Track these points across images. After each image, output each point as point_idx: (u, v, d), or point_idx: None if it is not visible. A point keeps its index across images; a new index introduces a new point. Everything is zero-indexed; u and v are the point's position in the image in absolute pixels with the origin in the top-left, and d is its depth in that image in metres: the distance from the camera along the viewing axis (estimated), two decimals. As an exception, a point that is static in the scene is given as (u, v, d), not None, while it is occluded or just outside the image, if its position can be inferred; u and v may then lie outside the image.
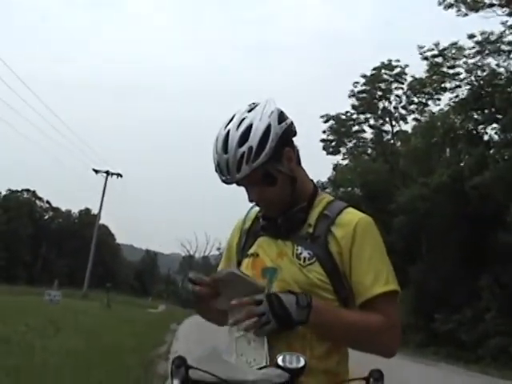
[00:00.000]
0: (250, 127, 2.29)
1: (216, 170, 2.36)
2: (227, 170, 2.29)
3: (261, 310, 2.17)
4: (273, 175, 2.35)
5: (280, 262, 2.38)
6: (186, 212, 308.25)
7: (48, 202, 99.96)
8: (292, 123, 2.43)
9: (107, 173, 60.55)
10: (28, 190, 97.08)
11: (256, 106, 2.37)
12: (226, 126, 2.33)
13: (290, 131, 2.42)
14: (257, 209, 2.63)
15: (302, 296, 2.21)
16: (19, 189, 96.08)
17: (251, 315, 2.17)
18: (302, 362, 1.94)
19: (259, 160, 2.26)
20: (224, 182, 2.36)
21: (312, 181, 2.58)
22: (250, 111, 2.35)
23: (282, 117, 2.37)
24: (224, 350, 2.19)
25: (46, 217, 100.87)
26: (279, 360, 1.96)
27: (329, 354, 2.30)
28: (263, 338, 2.18)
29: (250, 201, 2.46)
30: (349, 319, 2.27)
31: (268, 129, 2.30)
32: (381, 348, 2.37)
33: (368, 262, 2.32)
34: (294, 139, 2.47)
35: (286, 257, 2.37)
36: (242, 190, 2.41)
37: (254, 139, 2.27)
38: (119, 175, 61.37)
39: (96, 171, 60.48)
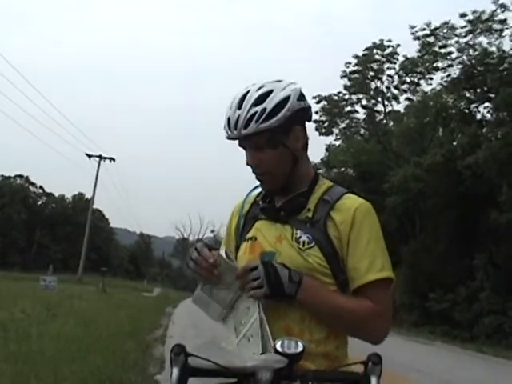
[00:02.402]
0: (269, 92, 2.34)
1: (224, 127, 2.40)
2: (235, 125, 2.33)
3: (255, 275, 2.22)
4: (276, 144, 2.38)
5: (279, 246, 2.39)
6: (180, 195, 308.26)
7: (41, 187, 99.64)
8: (310, 108, 2.49)
9: (100, 157, 60.30)
10: (21, 176, 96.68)
11: (281, 81, 2.42)
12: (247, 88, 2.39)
13: (306, 113, 2.47)
14: (255, 192, 2.66)
15: (294, 272, 2.25)
16: (12, 175, 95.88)
17: (246, 280, 2.24)
18: (300, 347, 1.95)
19: (268, 123, 2.30)
20: (228, 137, 2.40)
21: (314, 168, 2.60)
22: (273, 82, 2.40)
23: (302, 96, 2.41)
24: (223, 338, 2.22)
25: (40, 202, 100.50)
26: (278, 345, 1.97)
27: (327, 339, 2.32)
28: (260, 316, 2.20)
29: (248, 165, 2.44)
30: (337, 303, 2.29)
31: (286, 99, 2.34)
32: (367, 335, 2.38)
33: (364, 247, 2.33)
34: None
35: (285, 241, 2.38)
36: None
37: (270, 103, 2.31)
38: (112, 159, 61.11)
39: (89, 156, 60.23)
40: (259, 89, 2.36)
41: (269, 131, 2.32)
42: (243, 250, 2.52)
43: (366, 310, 2.29)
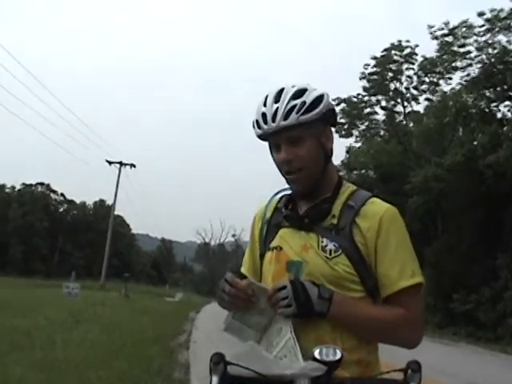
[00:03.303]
0: (305, 89, 2.37)
1: (254, 124, 2.42)
2: (273, 118, 2.33)
3: (284, 294, 2.20)
4: (313, 139, 2.38)
5: (305, 255, 2.36)
6: (201, 200, 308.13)
7: (62, 194, 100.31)
8: (336, 111, 2.52)
9: (120, 163, 60.51)
10: (42, 184, 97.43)
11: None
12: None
13: (335, 115, 2.50)
14: (276, 198, 2.63)
15: (323, 288, 2.24)
16: (33, 182, 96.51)
17: (276, 300, 2.22)
18: (338, 355, 1.95)
19: (308, 115, 2.32)
20: (261, 134, 2.41)
21: (338, 173, 2.58)
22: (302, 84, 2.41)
23: (331, 101, 2.44)
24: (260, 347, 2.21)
25: (61, 209, 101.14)
26: (316, 353, 1.96)
27: (359, 346, 2.31)
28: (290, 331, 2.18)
29: (279, 164, 2.42)
30: (370, 314, 2.28)
31: (322, 96, 2.38)
32: (402, 342, 2.38)
33: (394, 254, 2.32)
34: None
35: (312, 249, 2.36)
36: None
37: (308, 97, 2.34)
38: (133, 165, 61.31)
39: (109, 162, 60.45)
40: (293, 86, 2.37)
41: (308, 124, 2.33)
42: (268, 260, 2.49)
43: (399, 318, 2.28)
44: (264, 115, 2.36)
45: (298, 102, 2.31)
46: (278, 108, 2.32)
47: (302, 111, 2.30)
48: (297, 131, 2.33)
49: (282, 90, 2.37)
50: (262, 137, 2.44)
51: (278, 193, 2.65)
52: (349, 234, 2.33)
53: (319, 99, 2.36)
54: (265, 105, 2.38)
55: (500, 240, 29.44)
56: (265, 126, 2.35)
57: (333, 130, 2.51)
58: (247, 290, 2.26)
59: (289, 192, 2.58)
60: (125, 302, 36.66)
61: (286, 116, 2.30)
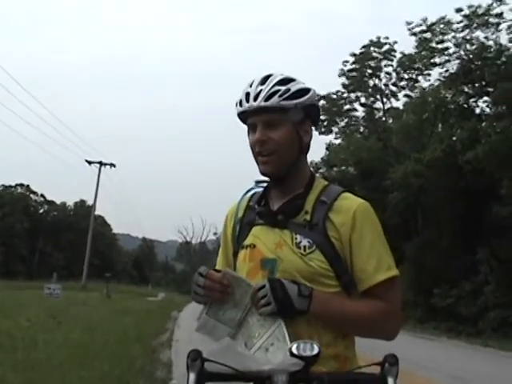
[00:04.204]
0: (292, 79, 2.41)
1: (238, 102, 2.43)
2: (255, 97, 2.35)
3: (262, 293, 2.21)
4: (290, 125, 2.39)
5: (279, 252, 2.36)
6: (182, 198, 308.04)
7: (42, 195, 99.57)
8: (320, 111, 2.57)
9: (100, 163, 60.43)
10: (22, 185, 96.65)
11: None
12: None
13: (318, 113, 2.55)
14: (248, 196, 2.64)
15: (303, 286, 2.25)
16: (13, 184, 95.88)
17: (256, 299, 2.22)
18: (316, 350, 1.95)
19: (290, 102, 2.35)
20: (241, 112, 2.42)
21: (310, 170, 2.59)
22: None
23: (316, 99, 2.51)
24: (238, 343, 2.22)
25: (41, 210, 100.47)
26: (293, 348, 1.96)
27: (336, 340, 2.32)
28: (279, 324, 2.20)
29: (253, 142, 2.42)
30: (350, 309, 2.29)
31: (308, 90, 2.43)
32: (382, 334, 2.40)
33: (369, 248, 2.33)
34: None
35: (286, 246, 2.36)
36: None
37: (293, 87, 2.38)
38: (113, 165, 61.26)
39: (89, 162, 60.36)
40: (282, 74, 2.42)
41: (287, 111, 2.35)
42: (242, 258, 2.49)
43: (379, 310, 2.29)
44: (248, 94, 2.38)
45: (283, 88, 2.35)
46: (261, 89, 2.35)
47: (284, 96, 2.33)
48: (275, 115, 2.35)
49: (269, 76, 2.41)
50: (241, 116, 2.46)
51: (248, 191, 2.65)
52: (322, 230, 2.33)
53: (304, 91, 2.39)
54: (250, 86, 2.41)
55: (479, 235, 29.62)
56: (246, 105, 2.37)
57: (313, 128, 2.53)
58: (223, 280, 2.25)
59: (260, 190, 2.60)
60: (106, 302, 36.64)
61: (268, 98, 2.33)
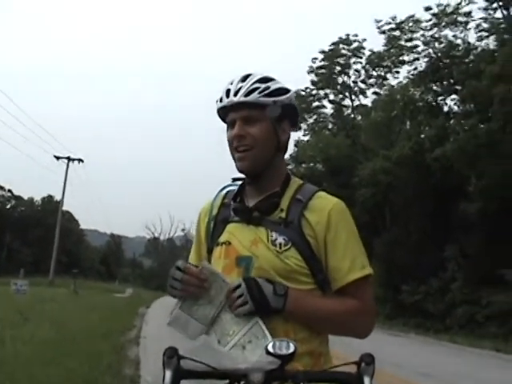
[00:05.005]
0: (271, 79, 2.46)
1: (217, 100, 2.47)
2: (235, 93, 2.39)
3: (238, 293, 2.20)
4: (268, 122, 2.42)
5: (255, 249, 2.36)
6: (150, 195, 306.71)
7: (10, 190, 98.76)
8: (298, 114, 2.63)
9: (68, 158, 59.98)
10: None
11: None
12: None
13: (297, 115, 2.58)
14: (222, 194, 2.63)
15: (278, 285, 2.25)
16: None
17: (231, 299, 2.21)
18: (291, 348, 1.96)
19: (269, 99, 2.39)
20: (221, 107, 2.45)
21: (287, 169, 2.60)
22: None
23: (295, 100, 2.53)
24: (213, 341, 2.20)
25: (9, 206, 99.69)
26: (269, 347, 1.97)
27: (311, 337, 2.33)
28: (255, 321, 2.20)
29: (231, 137, 2.43)
30: (325, 308, 2.31)
31: (288, 90, 2.47)
32: (356, 332, 2.42)
33: (344, 247, 2.35)
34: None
35: (261, 243, 2.36)
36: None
37: (273, 85, 2.43)
38: (80, 161, 60.87)
39: (57, 158, 59.83)
40: (262, 74, 2.46)
41: (265, 107, 2.39)
42: (217, 255, 2.48)
43: (353, 309, 2.31)
44: (228, 91, 2.41)
45: (262, 85, 2.39)
46: (242, 86, 2.39)
47: (263, 93, 2.37)
48: (254, 111, 2.38)
49: (249, 74, 2.45)
50: (221, 113, 2.49)
51: (223, 188, 2.65)
52: (298, 228, 2.34)
53: (283, 90, 2.44)
54: (231, 83, 2.44)
55: (448, 232, 29.87)
56: (226, 100, 2.40)
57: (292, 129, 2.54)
58: (200, 274, 2.24)
59: (235, 187, 2.60)
60: (74, 298, 36.44)
61: (248, 94, 2.37)
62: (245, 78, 2.42)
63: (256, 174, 2.44)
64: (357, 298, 2.31)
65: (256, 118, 2.39)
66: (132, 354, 14.05)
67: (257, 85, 2.38)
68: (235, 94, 2.38)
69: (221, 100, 2.44)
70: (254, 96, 2.36)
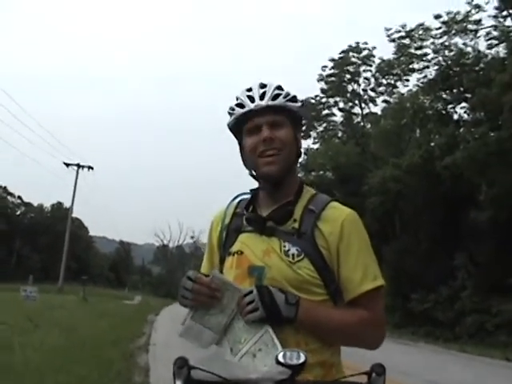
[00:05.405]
0: (283, 89, 2.48)
1: (234, 107, 2.47)
2: (261, 97, 2.41)
3: (249, 299, 2.20)
4: (293, 127, 2.46)
5: (267, 259, 2.36)
6: (159, 202, 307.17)
7: (20, 197, 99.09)
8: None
9: (78, 166, 60.03)
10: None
11: None
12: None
13: (301, 123, 2.61)
14: (235, 203, 2.62)
15: (290, 294, 2.24)
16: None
17: (242, 305, 2.21)
18: (302, 358, 1.95)
19: (293, 104, 2.44)
20: (245, 112, 2.43)
21: (300, 178, 2.60)
22: None
23: None
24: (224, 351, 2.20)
25: (18, 212, 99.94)
26: (280, 357, 1.96)
27: (322, 347, 2.31)
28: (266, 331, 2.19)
29: (258, 142, 2.40)
30: (336, 318, 2.30)
31: (296, 97, 2.49)
32: (366, 343, 2.42)
33: (356, 258, 2.34)
34: None
35: (274, 254, 2.35)
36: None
37: (289, 93, 2.45)
38: (90, 168, 60.88)
39: (67, 164, 59.91)
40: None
41: (290, 113, 2.43)
42: (229, 265, 2.47)
43: (364, 320, 2.30)
44: (250, 97, 2.42)
45: (283, 92, 2.43)
46: (265, 91, 2.41)
47: (287, 98, 2.41)
48: (279, 116, 2.41)
49: (265, 83, 2.47)
50: (240, 119, 2.46)
51: (236, 197, 2.64)
52: (311, 238, 2.33)
53: (296, 98, 2.47)
54: (248, 90, 2.45)
55: (458, 240, 29.77)
56: (251, 105, 2.40)
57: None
58: (211, 284, 2.24)
59: (247, 196, 2.59)
60: (83, 305, 36.46)
61: (274, 98, 2.40)
62: (264, 85, 2.44)
63: (280, 178, 2.43)
64: (368, 310, 2.31)
65: (281, 122, 2.41)
66: (141, 361, 14.03)
67: (278, 91, 2.41)
68: (261, 98, 2.39)
69: (240, 106, 2.43)
70: (281, 100, 2.39)
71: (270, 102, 2.38)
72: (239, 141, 2.53)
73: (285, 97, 2.40)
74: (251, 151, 2.44)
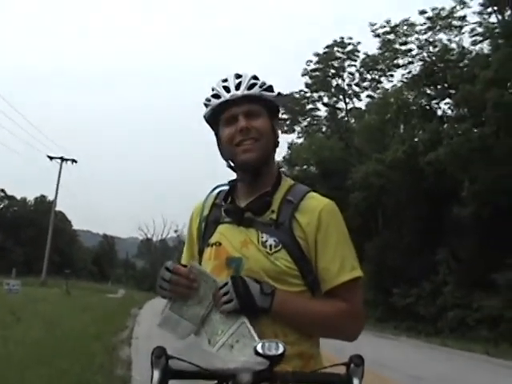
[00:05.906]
0: (259, 78, 2.47)
1: (210, 98, 2.45)
2: (237, 87, 2.40)
3: (225, 290, 2.20)
4: (270, 116, 2.45)
5: (245, 250, 2.35)
6: (143, 196, 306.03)
7: (3, 190, 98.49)
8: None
9: (62, 159, 59.83)
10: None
11: None
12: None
13: (278, 113, 2.60)
14: (214, 195, 2.62)
15: (266, 284, 2.24)
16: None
17: (218, 297, 2.21)
18: (281, 349, 1.94)
19: (269, 94, 2.43)
20: (221, 103, 2.41)
21: (278, 169, 2.59)
22: None
23: None
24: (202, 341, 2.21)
25: (1, 205, 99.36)
26: (258, 347, 1.95)
27: (301, 339, 2.31)
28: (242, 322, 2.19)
29: (235, 132, 2.38)
30: (312, 310, 2.29)
31: (272, 87, 2.47)
32: (344, 334, 2.40)
33: (334, 248, 2.33)
34: None
35: (252, 245, 2.35)
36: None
37: (264, 83, 2.45)
38: (74, 161, 60.73)
39: (51, 158, 59.67)
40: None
41: (266, 103, 2.42)
42: (208, 256, 2.47)
43: (341, 311, 2.29)
44: (226, 87, 2.40)
45: (259, 81, 2.42)
46: (241, 81, 2.40)
47: (263, 88, 2.40)
48: (255, 106, 2.40)
49: (240, 74, 2.45)
50: (216, 110, 2.45)
51: (214, 188, 2.63)
52: (288, 229, 2.33)
53: (272, 87, 2.46)
54: (224, 81, 2.44)
55: (440, 236, 29.87)
56: (227, 95, 2.39)
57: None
58: (189, 274, 2.23)
59: (226, 188, 2.59)
60: (66, 298, 36.32)
61: (250, 87, 2.38)
62: (239, 76, 2.42)
63: (259, 167, 2.42)
64: (346, 301, 2.30)
65: (258, 112, 2.40)
66: (124, 354, 14.00)
67: (254, 81, 2.40)
68: (237, 88, 2.38)
69: (216, 97, 2.42)
70: (257, 90, 2.38)
71: (246, 92, 2.36)
72: (216, 132, 2.52)
73: (260, 86, 2.39)
74: (228, 141, 2.43)
